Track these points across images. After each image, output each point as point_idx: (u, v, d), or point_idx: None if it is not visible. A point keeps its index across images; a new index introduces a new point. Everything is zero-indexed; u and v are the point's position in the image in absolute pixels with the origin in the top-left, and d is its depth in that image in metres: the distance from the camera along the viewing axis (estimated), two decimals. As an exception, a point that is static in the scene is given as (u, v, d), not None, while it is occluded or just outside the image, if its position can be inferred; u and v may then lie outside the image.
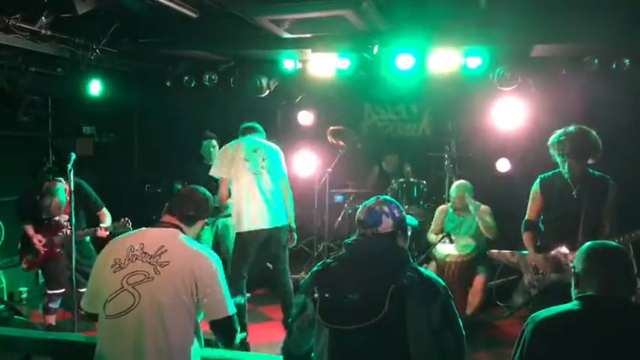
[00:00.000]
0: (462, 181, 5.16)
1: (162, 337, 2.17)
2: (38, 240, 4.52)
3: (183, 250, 2.30)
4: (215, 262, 2.35)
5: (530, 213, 3.68)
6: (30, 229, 4.56)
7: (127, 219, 4.41)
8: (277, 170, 4.54)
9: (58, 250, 4.53)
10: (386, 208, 2.28)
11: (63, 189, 4.46)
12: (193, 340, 2.29)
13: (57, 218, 4.53)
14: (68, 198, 4.37)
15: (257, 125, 4.76)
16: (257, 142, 4.58)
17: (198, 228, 2.54)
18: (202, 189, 2.62)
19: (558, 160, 3.44)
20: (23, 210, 4.65)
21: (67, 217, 4.43)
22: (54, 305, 4.58)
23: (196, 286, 2.24)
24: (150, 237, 2.33)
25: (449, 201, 5.25)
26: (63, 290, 4.56)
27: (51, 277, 4.60)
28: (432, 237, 5.11)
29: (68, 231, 4.35)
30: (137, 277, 2.19)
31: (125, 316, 2.17)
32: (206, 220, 2.58)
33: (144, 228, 2.44)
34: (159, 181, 6.67)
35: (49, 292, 4.58)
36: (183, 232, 2.42)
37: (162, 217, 2.46)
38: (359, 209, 2.34)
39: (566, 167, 3.39)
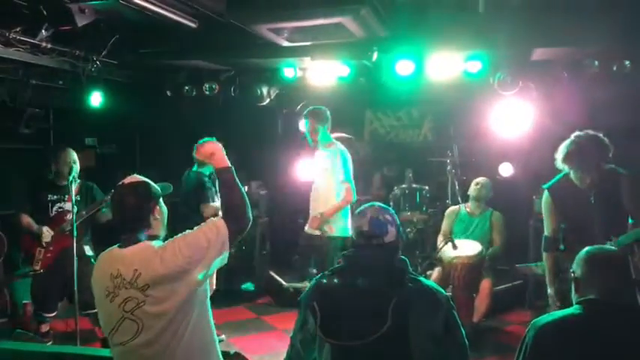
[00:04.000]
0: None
1: (179, 348, 2.11)
2: (46, 232, 4.21)
3: (151, 263, 2.10)
4: (173, 239, 2.15)
5: (548, 228, 3.47)
6: (25, 218, 4.24)
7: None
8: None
9: (67, 233, 4.15)
10: (389, 217, 2.23)
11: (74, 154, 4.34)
12: (211, 333, 2.21)
13: (61, 205, 4.32)
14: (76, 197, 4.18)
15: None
16: None
17: (158, 218, 2.26)
18: (128, 182, 2.26)
19: (571, 172, 3.34)
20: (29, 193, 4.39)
21: (69, 205, 4.19)
22: (47, 320, 4.39)
23: (190, 272, 2.08)
24: (123, 261, 2.15)
25: (455, 204, 5.27)
26: (54, 314, 4.37)
27: (43, 300, 4.35)
28: (440, 239, 5.15)
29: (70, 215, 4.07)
30: (130, 303, 2.10)
31: (134, 341, 2.11)
32: (159, 200, 2.27)
33: (115, 247, 2.23)
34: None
35: (43, 314, 4.33)
36: (150, 237, 2.21)
37: (121, 237, 2.21)
38: (357, 218, 2.26)
39: (579, 179, 3.29)
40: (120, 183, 2.26)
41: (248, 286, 5.66)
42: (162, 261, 2.10)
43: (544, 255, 3.48)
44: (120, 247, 2.21)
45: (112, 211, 2.25)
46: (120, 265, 2.14)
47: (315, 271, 4.98)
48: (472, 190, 5.16)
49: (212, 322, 2.26)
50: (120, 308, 2.10)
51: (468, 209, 5.13)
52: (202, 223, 2.18)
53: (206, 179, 4.79)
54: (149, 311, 2.09)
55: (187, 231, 2.16)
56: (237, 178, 2.23)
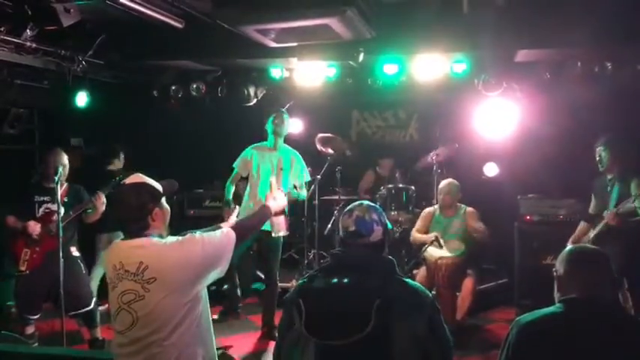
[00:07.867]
0: (451, 179, 5.19)
1: (170, 347, 2.11)
2: (33, 224, 4.11)
3: (164, 257, 2.13)
4: (195, 236, 2.21)
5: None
6: (10, 219, 4.16)
7: (121, 178, 4.03)
8: None
9: (54, 235, 4.07)
10: (375, 216, 2.24)
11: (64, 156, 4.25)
12: (210, 335, 2.26)
13: (48, 206, 4.22)
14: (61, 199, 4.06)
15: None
16: None
17: (158, 219, 2.23)
18: (130, 182, 2.26)
19: None
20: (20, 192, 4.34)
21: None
22: (31, 322, 4.31)
23: (198, 274, 2.15)
24: (126, 253, 2.17)
25: (437, 203, 5.29)
26: (38, 315, 4.29)
27: (28, 302, 4.26)
28: (416, 235, 5.13)
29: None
30: (128, 296, 2.12)
31: (130, 332, 2.13)
32: (160, 200, 2.25)
33: (119, 240, 2.25)
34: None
35: (27, 316, 4.25)
36: (153, 234, 2.21)
37: (125, 231, 2.25)
38: (344, 217, 2.28)
39: None
40: (121, 182, 2.27)
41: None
42: (179, 252, 2.14)
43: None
44: (124, 239, 2.24)
45: (111, 210, 2.25)
46: (123, 257, 2.17)
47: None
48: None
49: (210, 320, 2.28)
50: (118, 299, 2.14)
51: (443, 207, 5.15)
52: (220, 230, 2.30)
53: None
54: (147, 306, 2.10)
55: (198, 233, 2.23)
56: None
